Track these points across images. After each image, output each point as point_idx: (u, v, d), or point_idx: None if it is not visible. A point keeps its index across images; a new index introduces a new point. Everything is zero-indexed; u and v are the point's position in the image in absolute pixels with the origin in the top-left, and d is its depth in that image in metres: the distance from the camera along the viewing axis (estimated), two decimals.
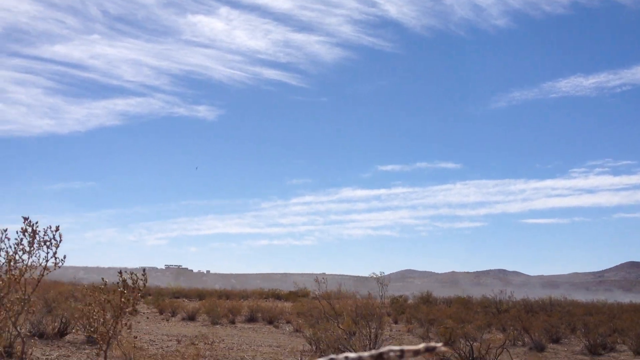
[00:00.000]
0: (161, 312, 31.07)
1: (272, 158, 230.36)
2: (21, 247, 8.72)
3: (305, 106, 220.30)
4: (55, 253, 8.90)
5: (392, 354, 1.32)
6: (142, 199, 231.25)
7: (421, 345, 1.36)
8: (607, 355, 20.32)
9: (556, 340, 23.39)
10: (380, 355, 1.35)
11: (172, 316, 29.87)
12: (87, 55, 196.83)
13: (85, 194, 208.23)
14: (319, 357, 14.38)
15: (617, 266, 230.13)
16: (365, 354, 1.37)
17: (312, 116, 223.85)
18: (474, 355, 13.95)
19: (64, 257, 9.05)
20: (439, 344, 1.37)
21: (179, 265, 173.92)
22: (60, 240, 9.00)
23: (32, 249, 8.73)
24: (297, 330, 24.30)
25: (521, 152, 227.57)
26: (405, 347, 1.32)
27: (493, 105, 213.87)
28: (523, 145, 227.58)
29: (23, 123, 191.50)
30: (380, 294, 20.53)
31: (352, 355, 1.36)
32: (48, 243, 8.82)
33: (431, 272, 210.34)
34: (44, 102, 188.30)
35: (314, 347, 16.78)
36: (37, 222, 8.88)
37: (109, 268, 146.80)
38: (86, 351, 15.41)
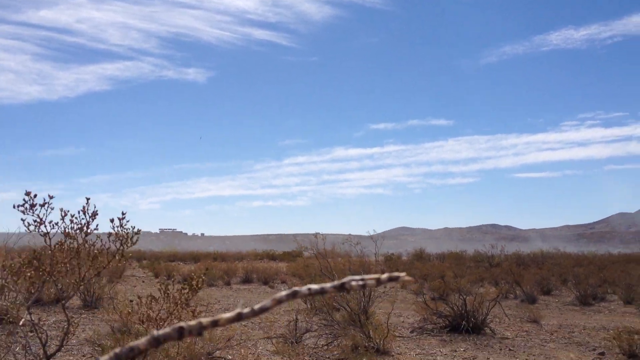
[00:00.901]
0: (156, 276, 31.26)
1: (263, 119, 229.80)
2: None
3: (296, 66, 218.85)
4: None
5: (353, 283, 1.34)
6: (135, 164, 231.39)
7: (384, 275, 1.38)
8: (598, 305, 20.68)
9: (547, 292, 23.77)
10: (342, 285, 1.37)
11: (168, 279, 30.06)
12: (73, 19, 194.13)
13: (77, 159, 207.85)
14: (313, 316, 14.53)
15: (607, 218, 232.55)
16: (328, 285, 1.39)
17: (303, 76, 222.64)
18: (467, 309, 14.16)
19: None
20: (402, 274, 1.39)
21: (174, 229, 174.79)
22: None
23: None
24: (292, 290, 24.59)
25: (512, 106, 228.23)
26: (367, 276, 1.34)
27: (484, 60, 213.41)
28: (514, 99, 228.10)
29: (12, 90, 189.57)
30: (375, 251, 20.70)
31: (314, 286, 1.38)
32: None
33: (425, 228, 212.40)
34: (32, 68, 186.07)
35: (309, 306, 16.97)
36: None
37: (102, 234, 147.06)
38: (83, 316, 15.56)
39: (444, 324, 14.23)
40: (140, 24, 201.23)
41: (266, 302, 1.36)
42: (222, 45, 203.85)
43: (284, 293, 1.38)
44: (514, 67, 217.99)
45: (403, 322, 16.11)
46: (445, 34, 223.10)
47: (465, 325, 13.71)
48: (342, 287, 1.39)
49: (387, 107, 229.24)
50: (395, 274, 1.46)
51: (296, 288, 1.36)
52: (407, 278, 1.46)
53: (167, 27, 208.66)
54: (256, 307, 1.36)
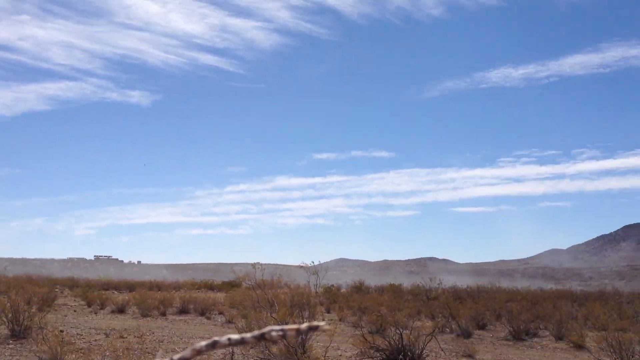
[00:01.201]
0: (89, 305, 30.36)
1: (207, 145, 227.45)
2: None
3: (241, 92, 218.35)
4: None
5: (273, 333, 1.36)
6: (72, 187, 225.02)
7: (304, 325, 1.40)
8: (530, 340, 21.13)
9: (482, 327, 24.16)
10: (262, 335, 1.38)
11: (101, 309, 29.24)
12: (15, 36, 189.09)
13: (12, 181, 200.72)
14: (250, 349, 14.36)
15: (540, 253, 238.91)
16: (248, 335, 1.40)
17: (248, 103, 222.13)
18: (404, 343, 14.26)
19: None
20: (322, 323, 1.41)
21: (109, 256, 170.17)
22: None
23: None
24: (229, 322, 24.23)
25: (452, 141, 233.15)
26: (287, 327, 1.36)
27: (426, 95, 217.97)
28: (454, 134, 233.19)
29: None
30: (315, 283, 20.70)
31: (234, 336, 1.39)
32: None
33: (364, 260, 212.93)
34: None
35: None
36: None
37: (35, 259, 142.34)
38: (10, 346, 14.96)
39: (381, 358, 14.28)
40: (85, 44, 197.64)
41: (185, 352, 1.36)
42: (168, 69, 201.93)
43: (203, 343, 1.38)
44: (454, 103, 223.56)
45: (341, 355, 16.09)
46: (390, 66, 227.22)
47: (402, 359, 13.79)
48: (262, 337, 1.39)
49: (331, 137, 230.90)
50: (315, 323, 1.48)
51: (216, 338, 1.36)
52: (327, 327, 1.48)
53: (113, 48, 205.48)
54: (175, 357, 1.35)
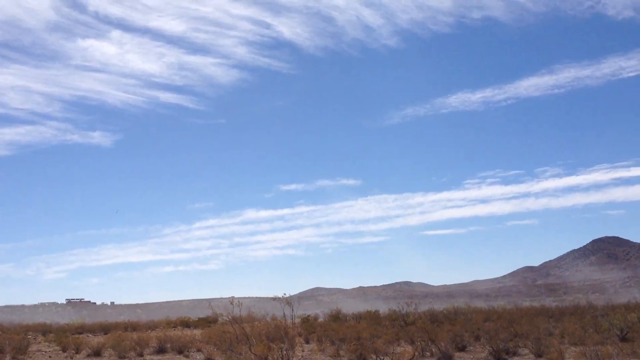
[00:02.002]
0: (64, 350, 29.70)
1: (171, 183, 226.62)
2: None
3: (203, 129, 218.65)
4: None
5: None
6: (38, 232, 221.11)
7: None
8: (511, 359, 21.23)
9: (462, 349, 24.19)
10: None
11: (76, 353, 28.63)
12: None
13: None
14: None
15: (514, 272, 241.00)
16: None
17: (211, 138, 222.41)
18: None
19: None
20: None
21: (81, 299, 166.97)
22: None
23: None
24: (208, 359, 23.92)
25: (417, 166, 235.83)
26: None
27: (387, 122, 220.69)
28: (418, 159, 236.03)
29: None
30: (291, 314, 20.59)
31: None
32: None
33: (340, 288, 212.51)
34: None
35: None
36: None
37: (5, 306, 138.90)
38: None
39: None
40: (42, 88, 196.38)
41: None
42: (128, 109, 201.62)
43: None
44: (416, 128, 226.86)
45: None
46: (350, 96, 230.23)
47: None
48: None
49: (296, 168, 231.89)
50: None
51: None
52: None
53: (71, 90, 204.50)
54: None
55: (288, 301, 18.27)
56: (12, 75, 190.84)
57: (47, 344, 33.78)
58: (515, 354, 22.25)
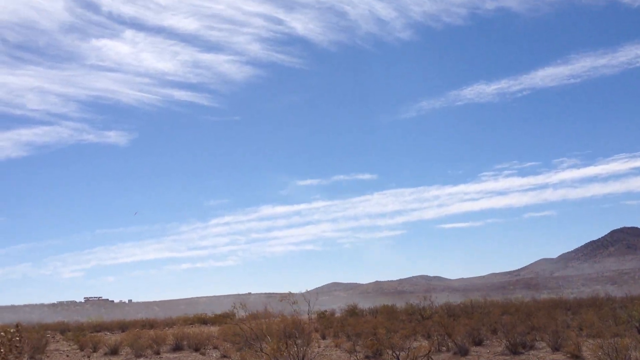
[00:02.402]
0: (82, 348, 29.93)
1: (188, 180, 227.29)
2: None
3: (218, 126, 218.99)
4: None
5: None
6: (55, 231, 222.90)
7: None
8: (527, 353, 21.04)
9: (479, 343, 24.04)
10: None
11: (94, 352, 28.84)
12: None
13: None
14: None
15: (531, 264, 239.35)
16: None
17: (226, 135, 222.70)
18: None
19: None
20: None
21: (99, 297, 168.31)
22: None
23: None
24: (224, 356, 23.97)
25: (433, 159, 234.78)
26: None
27: (402, 116, 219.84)
28: (434, 152, 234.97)
29: None
30: (307, 310, 20.54)
31: None
32: None
33: (356, 283, 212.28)
34: None
35: None
36: None
37: (25, 305, 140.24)
38: None
39: None
40: (58, 88, 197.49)
41: None
42: (143, 107, 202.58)
43: None
44: (432, 122, 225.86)
45: None
46: (364, 90, 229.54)
47: None
48: None
49: (312, 163, 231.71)
50: None
51: None
52: None
53: (86, 90, 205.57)
54: None
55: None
56: (29, 77, 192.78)
57: (65, 342, 34.04)
58: (532, 347, 22.06)
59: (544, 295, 68.99)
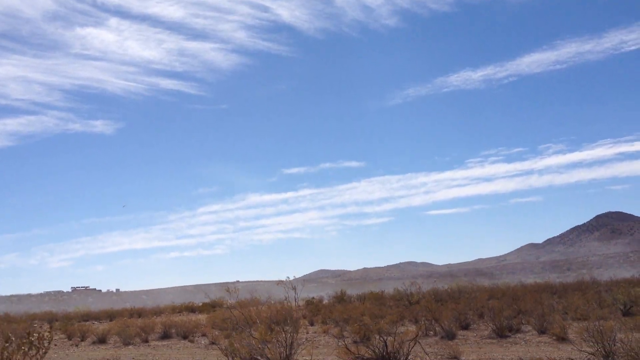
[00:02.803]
0: (69, 338, 29.88)
1: (175, 169, 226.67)
2: None
3: (205, 114, 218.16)
4: None
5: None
6: (41, 221, 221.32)
7: None
8: (514, 336, 21.25)
9: (466, 327, 24.25)
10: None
11: (82, 340, 28.80)
12: None
13: None
14: None
15: (517, 249, 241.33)
16: None
17: (212, 124, 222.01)
18: (388, 350, 14.26)
19: None
20: None
21: (87, 287, 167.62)
22: None
23: None
24: (212, 343, 24.01)
25: (420, 146, 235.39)
26: None
27: (389, 103, 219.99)
28: (421, 139, 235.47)
29: None
30: (295, 297, 20.58)
31: None
32: None
33: (344, 270, 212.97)
34: None
35: (229, 359, 16.64)
36: None
37: (12, 295, 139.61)
38: None
39: None
40: (42, 78, 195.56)
41: None
42: (129, 96, 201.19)
43: None
44: (418, 108, 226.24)
45: None
46: (351, 78, 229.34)
47: None
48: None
49: (299, 151, 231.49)
50: None
51: None
52: None
53: (71, 79, 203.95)
54: None
55: (292, 284, 18.24)
56: (12, 66, 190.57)
57: (52, 332, 33.90)
58: (518, 330, 22.29)
59: (530, 280, 69.54)
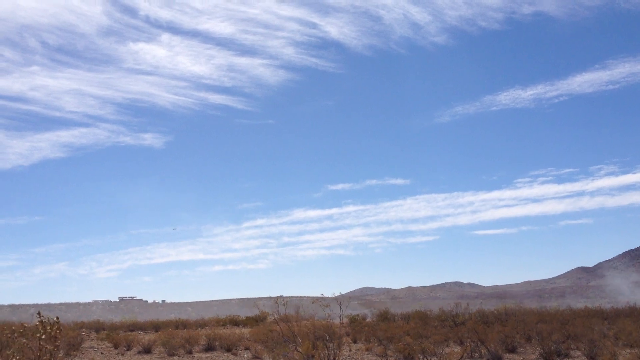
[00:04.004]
0: (116, 347, 30.33)
1: (221, 183, 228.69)
2: None
3: (252, 129, 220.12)
4: None
5: None
6: (91, 231, 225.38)
7: None
8: None
9: (512, 350, 23.73)
10: None
11: (127, 350, 29.21)
12: (27, 87, 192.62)
13: (32, 229, 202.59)
14: None
15: (567, 272, 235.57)
16: None
17: (259, 139, 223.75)
18: None
19: None
20: None
21: (133, 297, 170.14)
22: None
23: None
24: (255, 357, 24.06)
25: (467, 165, 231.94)
26: None
27: (437, 120, 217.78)
28: (468, 158, 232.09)
29: None
30: (339, 314, 20.53)
31: None
32: None
33: (388, 288, 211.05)
34: None
35: None
36: None
37: (61, 304, 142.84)
38: None
39: None
40: (95, 91, 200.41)
41: None
42: (178, 110, 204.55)
43: None
44: (466, 127, 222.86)
45: None
46: (398, 95, 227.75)
47: None
48: None
49: (345, 168, 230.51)
50: None
51: None
52: None
53: (123, 93, 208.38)
54: None
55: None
56: (67, 80, 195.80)
57: (99, 340, 34.51)
58: (567, 355, 21.72)
59: (580, 304, 67.69)
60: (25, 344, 9.38)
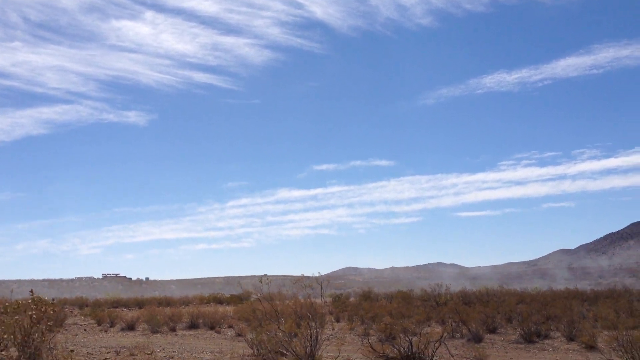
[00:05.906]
0: (99, 323, 30.37)
1: (206, 162, 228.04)
2: None
3: (237, 109, 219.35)
4: None
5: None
6: (74, 208, 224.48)
7: None
8: (542, 342, 21.01)
9: (493, 330, 24.03)
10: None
11: (111, 327, 29.26)
12: (8, 63, 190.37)
13: (15, 205, 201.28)
14: None
15: (549, 254, 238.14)
16: None
17: (244, 118, 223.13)
18: (413, 350, 14.20)
19: None
20: None
21: (117, 274, 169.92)
22: None
23: None
24: (239, 335, 24.19)
25: (451, 147, 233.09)
26: None
27: (421, 102, 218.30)
28: (453, 140, 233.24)
29: None
30: (322, 293, 20.58)
31: None
32: None
33: (371, 268, 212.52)
34: None
35: (255, 351, 16.76)
36: None
37: (44, 280, 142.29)
38: None
39: None
40: (78, 68, 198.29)
41: None
42: (163, 89, 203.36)
43: None
44: (451, 109, 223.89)
45: None
46: (383, 77, 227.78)
47: None
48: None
49: (330, 148, 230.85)
50: None
51: None
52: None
53: (106, 70, 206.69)
54: None
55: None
56: (49, 56, 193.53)
57: (82, 317, 34.52)
58: (546, 337, 22.02)
59: (560, 286, 68.55)
60: (17, 321, 9.45)
